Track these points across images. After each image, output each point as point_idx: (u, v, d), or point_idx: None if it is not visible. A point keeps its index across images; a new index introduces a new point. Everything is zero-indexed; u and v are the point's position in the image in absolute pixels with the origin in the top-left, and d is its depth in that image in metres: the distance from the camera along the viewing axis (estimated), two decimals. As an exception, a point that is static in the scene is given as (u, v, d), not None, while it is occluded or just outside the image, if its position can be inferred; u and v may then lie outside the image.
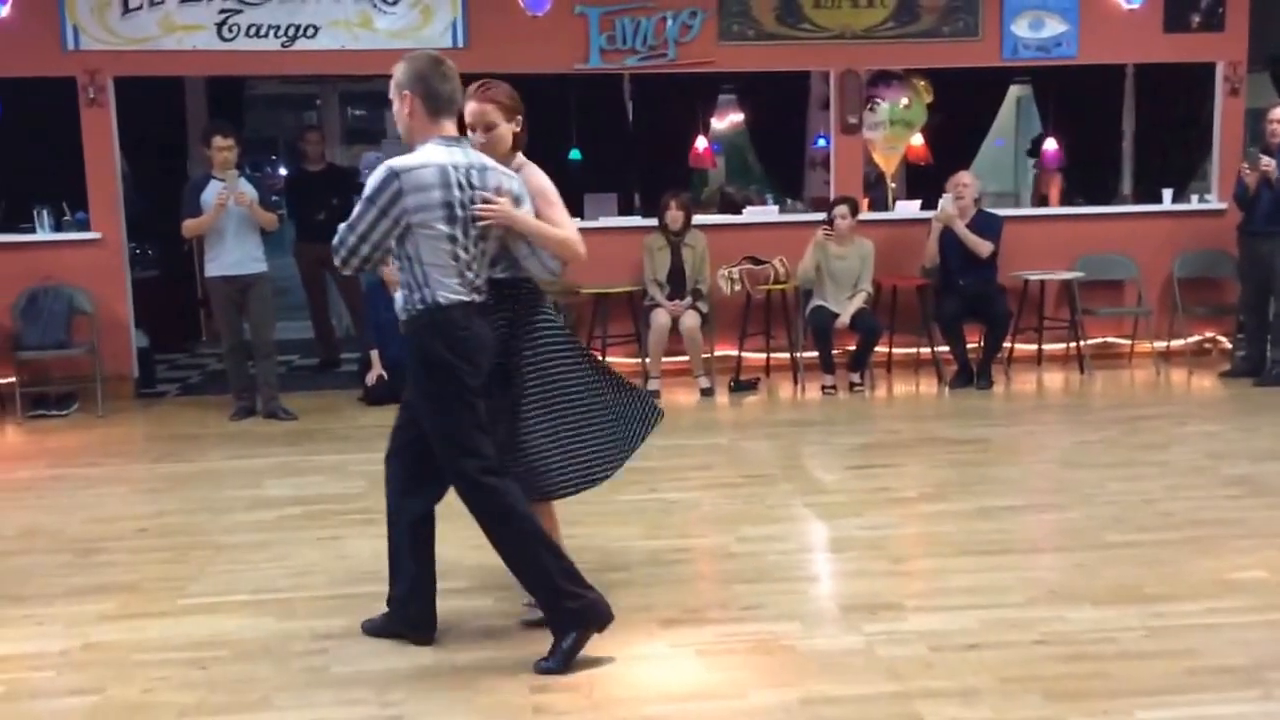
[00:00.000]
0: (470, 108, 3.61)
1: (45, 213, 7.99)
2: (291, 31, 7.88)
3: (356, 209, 3.40)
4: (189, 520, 5.09)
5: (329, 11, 7.89)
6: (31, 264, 7.73)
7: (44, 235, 7.96)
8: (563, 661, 3.43)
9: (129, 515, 5.19)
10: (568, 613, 3.45)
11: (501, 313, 3.60)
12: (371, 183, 3.36)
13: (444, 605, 3.92)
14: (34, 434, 7.08)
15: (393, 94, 3.48)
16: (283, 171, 14.54)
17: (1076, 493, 5.23)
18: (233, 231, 7.06)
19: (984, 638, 3.60)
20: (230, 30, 7.82)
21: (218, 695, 3.32)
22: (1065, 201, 9.91)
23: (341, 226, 3.42)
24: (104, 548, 4.70)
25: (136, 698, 3.31)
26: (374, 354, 7.72)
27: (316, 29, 7.89)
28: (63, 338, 7.57)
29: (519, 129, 3.73)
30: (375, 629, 3.74)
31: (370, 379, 7.66)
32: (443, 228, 3.37)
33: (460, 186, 3.39)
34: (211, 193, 7.02)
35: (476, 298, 3.46)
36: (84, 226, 7.98)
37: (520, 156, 3.75)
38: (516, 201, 3.52)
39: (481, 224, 3.43)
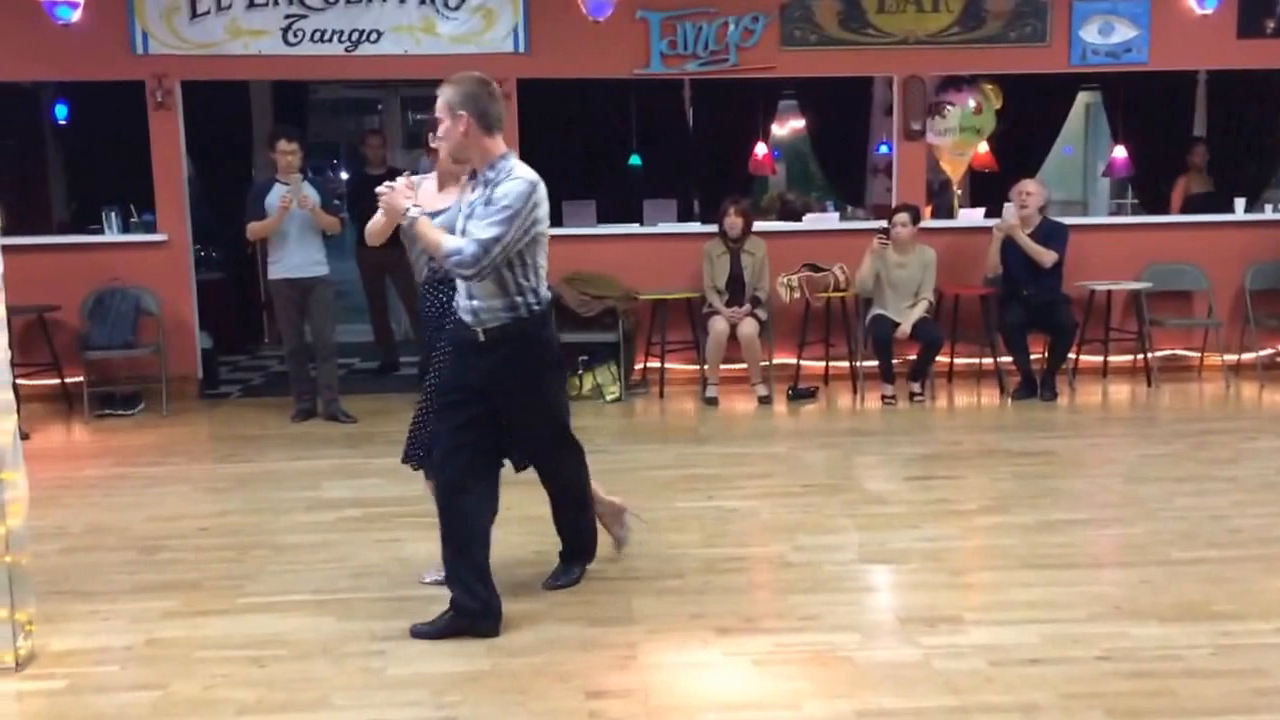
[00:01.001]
0: None
1: (113, 214, 8.15)
2: (355, 36, 7.96)
3: (498, 221, 3.56)
4: (249, 520, 5.15)
5: (392, 17, 7.96)
6: (100, 265, 7.88)
7: (112, 237, 8.11)
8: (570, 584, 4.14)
9: (192, 514, 5.26)
10: (583, 563, 4.22)
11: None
12: (516, 195, 3.59)
13: (502, 610, 3.94)
14: (101, 433, 7.22)
15: (442, 113, 3.68)
16: (344, 175, 14.71)
17: (1142, 508, 5.12)
18: (295, 235, 7.16)
19: (1045, 653, 3.54)
20: (295, 35, 7.92)
21: (277, 693, 3.35)
22: (1194, 207, 9.48)
23: (478, 240, 3.56)
24: (167, 545, 4.77)
25: (198, 694, 3.35)
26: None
27: (380, 34, 7.97)
28: (129, 338, 7.71)
29: None
30: (427, 632, 3.76)
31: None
32: (548, 234, 3.73)
33: None
34: (275, 196, 7.12)
35: None
36: (151, 228, 8.12)
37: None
38: None
39: None
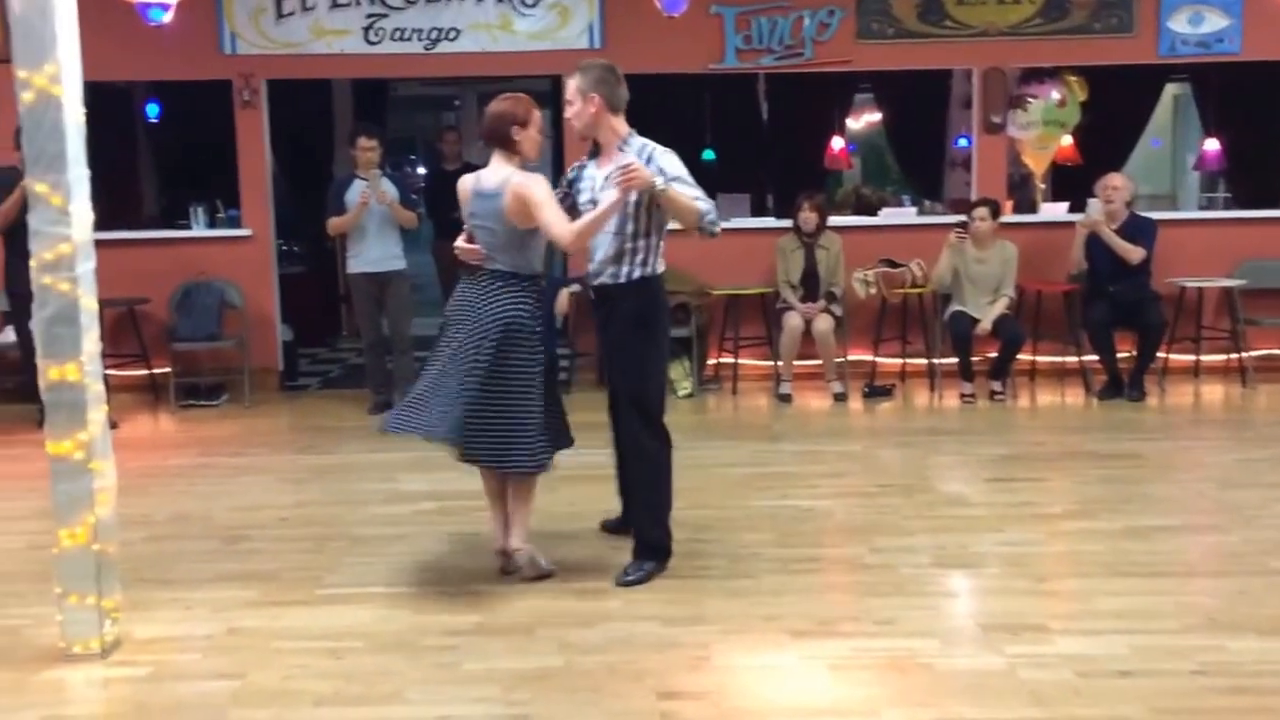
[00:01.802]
0: (538, 115, 4.20)
1: (200, 210, 8.32)
2: (434, 35, 8.02)
3: (688, 182, 4.07)
4: (328, 511, 5.21)
5: (470, 14, 8.01)
6: (187, 259, 8.05)
7: (198, 232, 8.29)
8: (640, 580, 4.13)
9: (272, 504, 5.35)
10: (662, 546, 4.25)
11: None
12: (679, 162, 4.11)
13: (574, 607, 3.94)
14: (185, 423, 7.37)
15: (573, 95, 4.14)
16: (421, 170, 14.86)
17: (1238, 514, 4.95)
18: (374, 229, 7.24)
19: (1136, 665, 3.43)
20: (376, 34, 8.01)
21: (353, 686, 3.38)
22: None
23: (704, 198, 4.07)
24: (248, 535, 4.85)
25: (276, 684, 3.40)
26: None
27: (458, 32, 8.02)
28: (214, 330, 7.87)
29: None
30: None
31: (504, 376, 7.74)
32: None
33: None
34: (355, 192, 7.21)
35: None
36: (235, 224, 8.28)
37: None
38: None
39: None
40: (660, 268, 4.24)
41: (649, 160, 4.06)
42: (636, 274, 4.16)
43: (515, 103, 4.17)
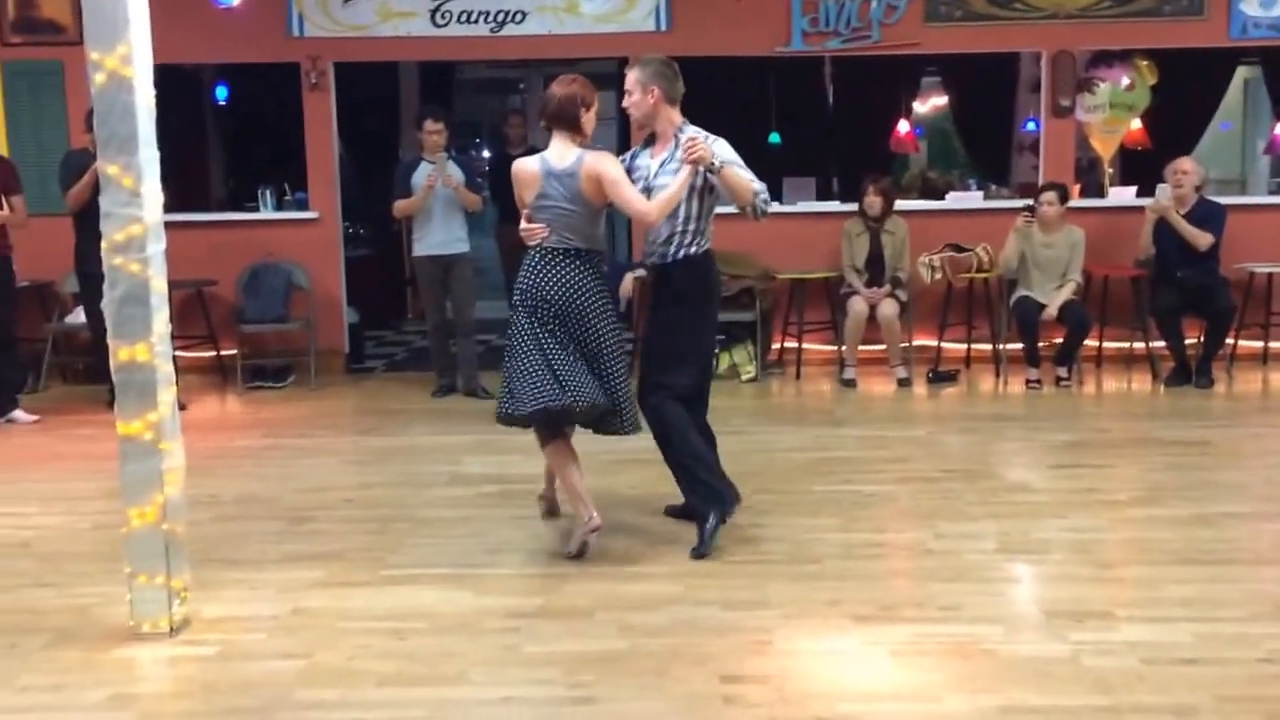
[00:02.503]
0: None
1: (268, 193, 8.43)
2: (500, 17, 8.05)
3: (741, 165, 4.26)
4: (391, 493, 5.27)
5: (536, -3, 8.02)
6: (255, 241, 8.16)
7: (266, 214, 8.40)
8: (709, 539, 4.25)
9: (337, 486, 5.42)
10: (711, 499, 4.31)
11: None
12: (731, 149, 4.28)
13: (635, 590, 3.95)
14: (252, 404, 7.50)
15: (633, 86, 4.34)
16: (485, 154, 14.93)
17: (1310, 504, 4.84)
18: (439, 212, 7.29)
19: (1202, 653, 3.37)
20: (443, 17, 8.05)
21: (416, 666, 3.42)
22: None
23: (756, 180, 4.27)
24: (313, 516, 4.92)
25: (341, 664, 3.44)
26: (570, 336, 7.84)
27: (524, 14, 8.04)
28: (281, 312, 7.98)
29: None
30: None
31: (566, 360, 7.79)
32: None
33: None
34: (421, 175, 7.26)
35: None
36: (303, 206, 8.38)
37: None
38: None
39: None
40: (706, 247, 4.44)
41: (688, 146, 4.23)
42: (682, 254, 4.39)
43: (582, 85, 4.31)
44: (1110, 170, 9.05)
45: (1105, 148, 8.79)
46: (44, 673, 3.41)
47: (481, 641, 3.58)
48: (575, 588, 3.99)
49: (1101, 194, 8.62)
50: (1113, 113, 8.37)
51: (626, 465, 5.42)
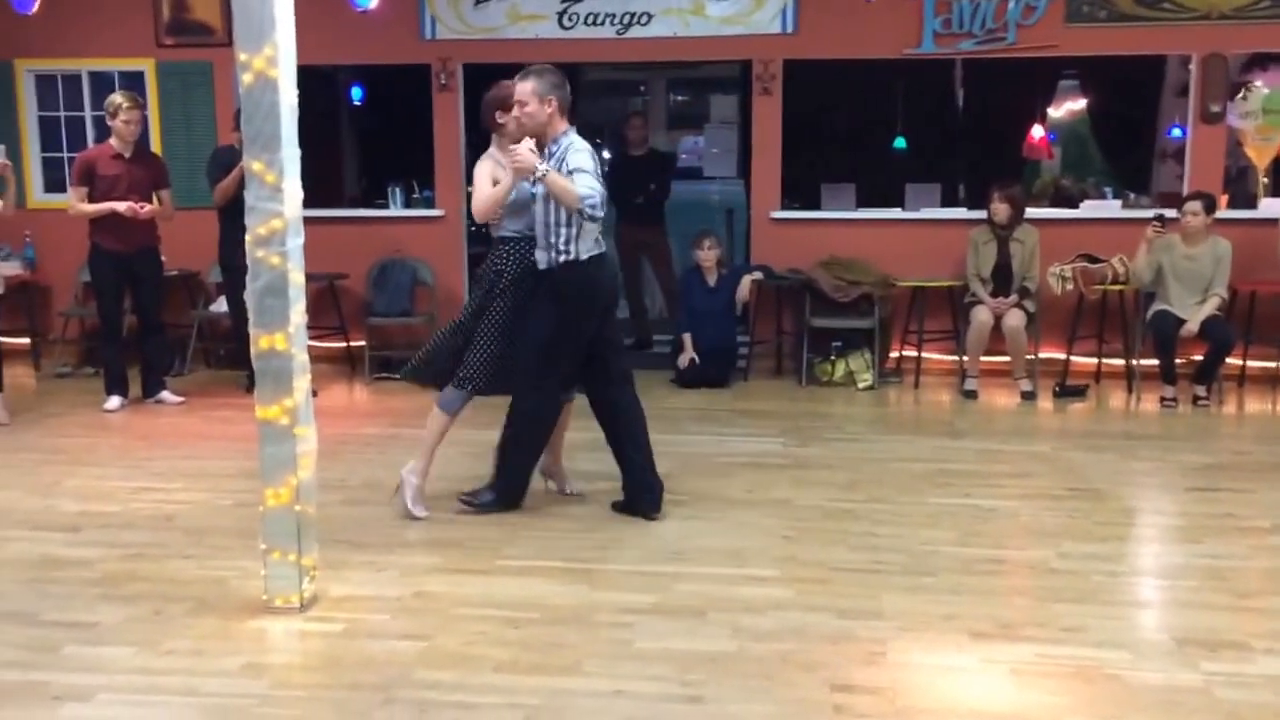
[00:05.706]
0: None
1: (397, 190, 8.65)
2: (626, 20, 8.10)
3: (587, 172, 4.37)
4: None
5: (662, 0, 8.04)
6: (384, 237, 8.38)
7: (395, 211, 8.62)
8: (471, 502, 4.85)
9: (455, 476, 5.50)
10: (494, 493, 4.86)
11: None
12: (586, 159, 4.43)
13: (747, 593, 3.93)
14: (378, 394, 7.69)
15: (527, 97, 4.47)
16: (606, 155, 15.03)
17: None
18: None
19: (1348, 692, 3.20)
20: (570, 19, 8.14)
21: (531, 654, 3.46)
22: None
23: (592, 187, 4.37)
24: (433, 505, 5.01)
25: (459, 648, 3.51)
26: (687, 338, 7.85)
27: (650, 16, 8.08)
28: (406, 306, 8.18)
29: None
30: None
31: (682, 362, 7.80)
32: None
33: None
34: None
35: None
36: (430, 204, 8.57)
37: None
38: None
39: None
40: (584, 253, 4.62)
41: (565, 153, 4.48)
42: (562, 259, 4.60)
43: (499, 87, 4.78)
44: (1265, 180, 8.65)
45: (1260, 156, 8.39)
46: (186, 638, 3.59)
47: (594, 634, 3.61)
48: (688, 587, 3.99)
49: (1252, 205, 8.25)
50: (1267, 119, 7.99)
51: (741, 469, 5.40)
